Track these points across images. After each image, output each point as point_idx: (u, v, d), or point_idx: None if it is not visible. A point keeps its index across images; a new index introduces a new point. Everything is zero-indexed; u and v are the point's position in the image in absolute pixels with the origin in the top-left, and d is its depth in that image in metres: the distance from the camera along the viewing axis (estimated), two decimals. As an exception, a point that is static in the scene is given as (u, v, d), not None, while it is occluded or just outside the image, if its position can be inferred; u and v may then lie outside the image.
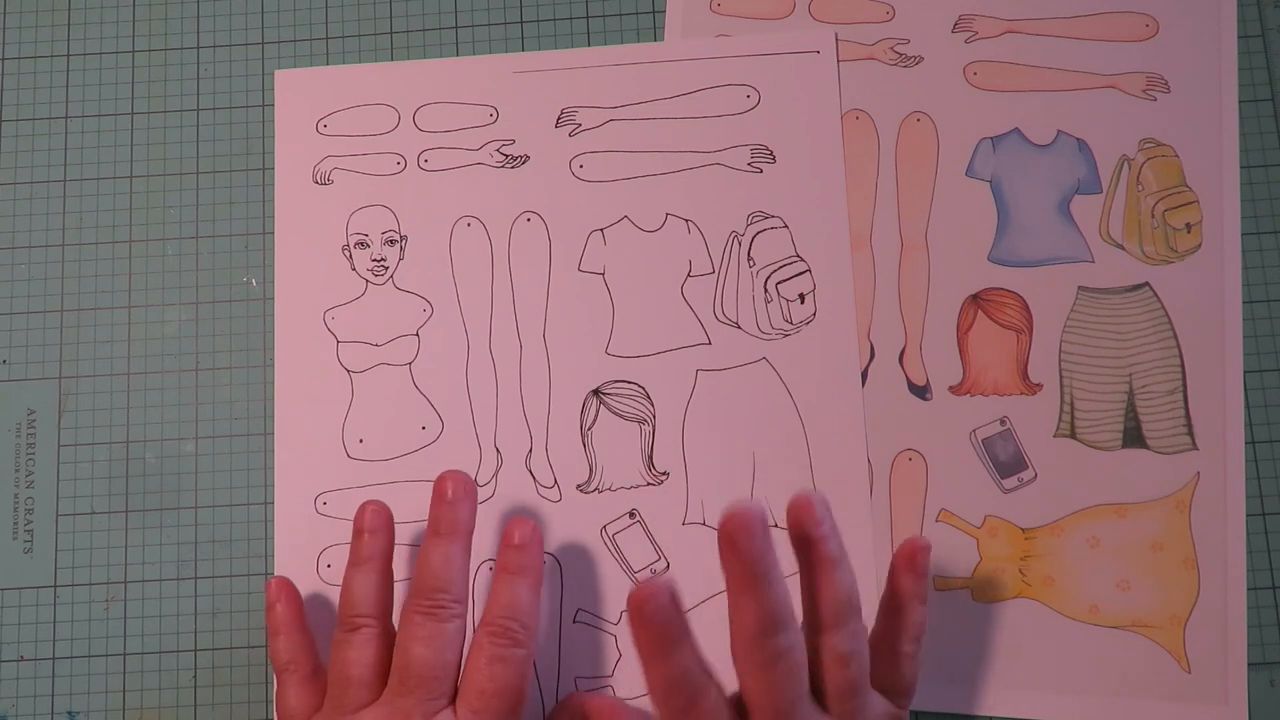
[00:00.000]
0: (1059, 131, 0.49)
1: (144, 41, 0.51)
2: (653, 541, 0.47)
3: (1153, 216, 0.48)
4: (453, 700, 0.41)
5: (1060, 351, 0.48)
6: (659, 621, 0.36)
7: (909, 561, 0.41)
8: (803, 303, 0.48)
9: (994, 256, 0.48)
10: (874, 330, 0.48)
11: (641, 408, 0.48)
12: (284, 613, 0.44)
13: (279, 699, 0.43)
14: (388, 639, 0.42)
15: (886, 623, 0.41)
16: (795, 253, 0.49)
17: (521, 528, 0.43)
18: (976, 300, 0.48)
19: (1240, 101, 0.49)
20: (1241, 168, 0.49)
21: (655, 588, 0.36)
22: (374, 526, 0.43)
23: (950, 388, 0.48)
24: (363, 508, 0.44)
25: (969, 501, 0.47)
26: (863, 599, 0.40)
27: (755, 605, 0.37)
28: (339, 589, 0.46)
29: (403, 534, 0.47)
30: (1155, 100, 0.49)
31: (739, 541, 0.37)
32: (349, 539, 0.47)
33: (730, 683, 0.39)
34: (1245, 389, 0.47)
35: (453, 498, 0.43)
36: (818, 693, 0.38)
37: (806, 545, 0.38)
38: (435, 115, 0.50)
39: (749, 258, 0.49)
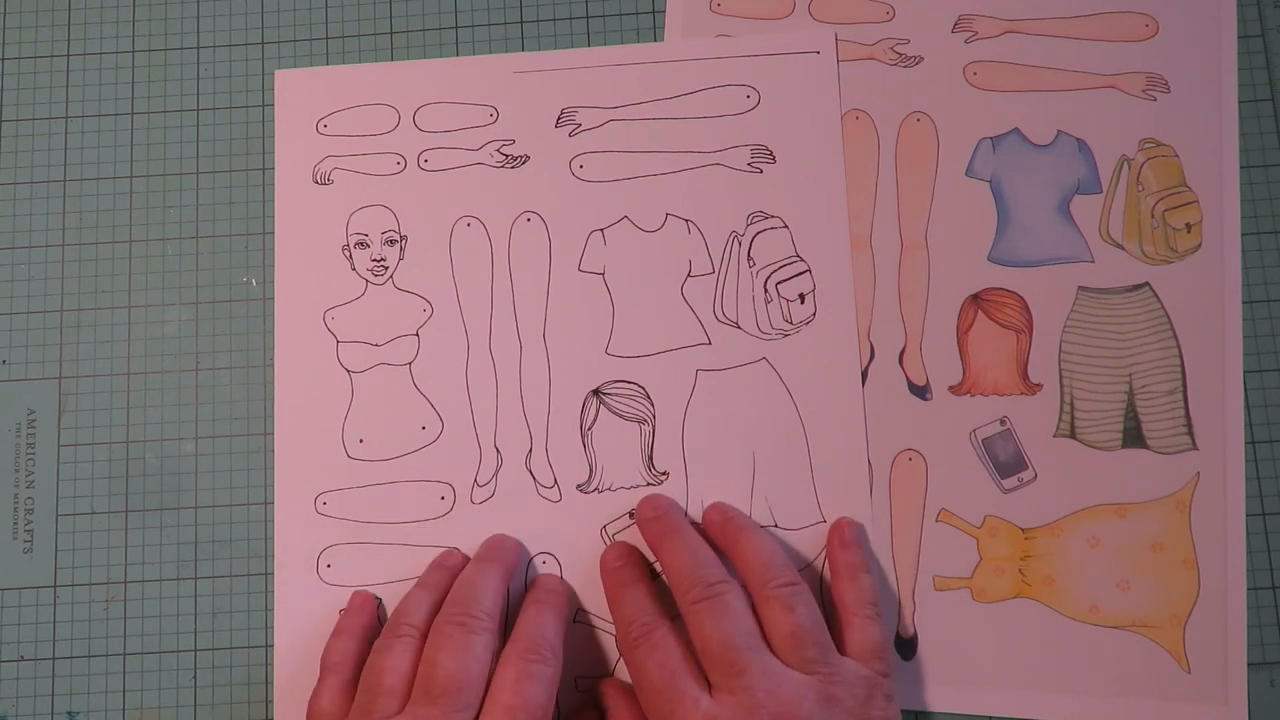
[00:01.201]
0: (1059, 131, 0.49)
1: (144, 41, 0.51)
2: (653, 541, 0.47)
3: (1153, 216, 0.48)
4: (477, 715, 0.40)
5: (1060, 351, 0.48)
6: (618, 566, 0.45)
7: (838, 537, 0.46)
8: (803, 303, 0.48)
9: (994, 256, 0.48)
10: (874, 330, 0.48)
11: (641, 408, 0.48)
12: (352, 621, 0.45)
13: (314, 695, 0.43)
14: None
15: (839, 594, 0.45)
16: (795, 253, 0.49)
17: (551, 578, 0.46)
18: (976, 300, 0.48)
19: (1240, 101, 0.49)
20: (1241, 168, 0.49)
21: (619, 544, 0.46)
22: (449, 565, 0.46)
23: (950, 388, 0.48)
24: (446, 553, 0.47)
25: (969, 501, 0.47)
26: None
27: (677, 546, 0.44)
28: (339, 589, 0.47)
29: (406, 534, 0.47)
30: (1155, 100, 0.49)
31: (646, 510, 0.46)
32: (349, 539, 0.47)
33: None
34: (1245, 389, 0.47)
35: (503, 544, 0.46)
36: (775, 649, 0.41)
37: (723, 525, 0.45)
38: (435, 115, 0.50)
39: (749, 258, 0.49)
